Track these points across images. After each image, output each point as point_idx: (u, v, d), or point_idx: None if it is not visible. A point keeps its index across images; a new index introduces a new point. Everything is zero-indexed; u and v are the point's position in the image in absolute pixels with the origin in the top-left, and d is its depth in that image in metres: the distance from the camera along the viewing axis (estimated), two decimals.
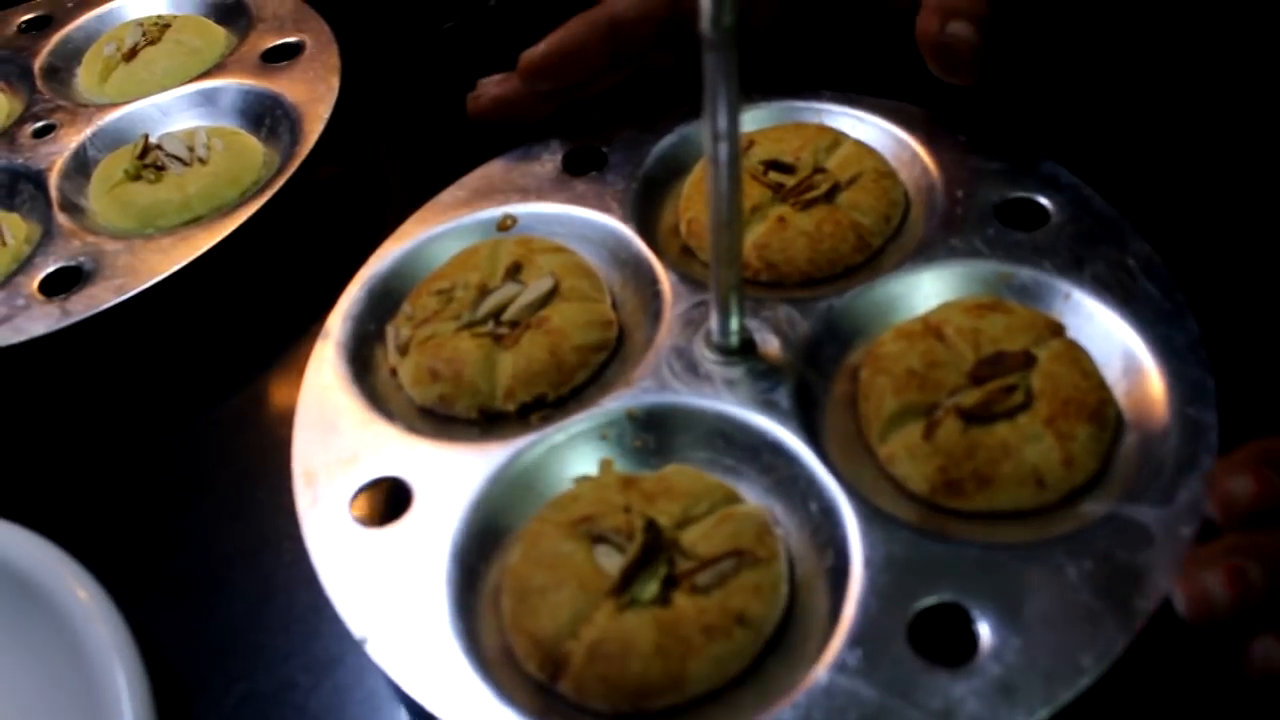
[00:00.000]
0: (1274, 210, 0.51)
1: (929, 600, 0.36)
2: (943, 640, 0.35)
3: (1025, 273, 0.45)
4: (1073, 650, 0.34)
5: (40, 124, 0.66)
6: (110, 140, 0.64)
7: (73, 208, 0.60)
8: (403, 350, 0.46)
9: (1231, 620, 0.33)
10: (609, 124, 0.55)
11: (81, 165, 0.63)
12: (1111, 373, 0.42)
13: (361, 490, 0.42)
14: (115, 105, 0.66)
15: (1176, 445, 0.38)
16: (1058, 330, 0.43)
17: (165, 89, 0.66)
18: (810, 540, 0.39)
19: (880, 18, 0.55)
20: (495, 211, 0.52)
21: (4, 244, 0.58)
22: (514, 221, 0.51)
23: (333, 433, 0.44)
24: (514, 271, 0.47)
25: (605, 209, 0.50)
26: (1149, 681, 0.36)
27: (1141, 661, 0.34)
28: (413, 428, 0.44)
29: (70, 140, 0.64)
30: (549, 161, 0.54)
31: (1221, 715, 0.38)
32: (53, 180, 0.62)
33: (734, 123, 0.36)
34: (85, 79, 0.71)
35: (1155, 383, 0.41)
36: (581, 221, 0.51)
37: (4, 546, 0.43)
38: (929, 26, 0.47)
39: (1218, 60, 0.57)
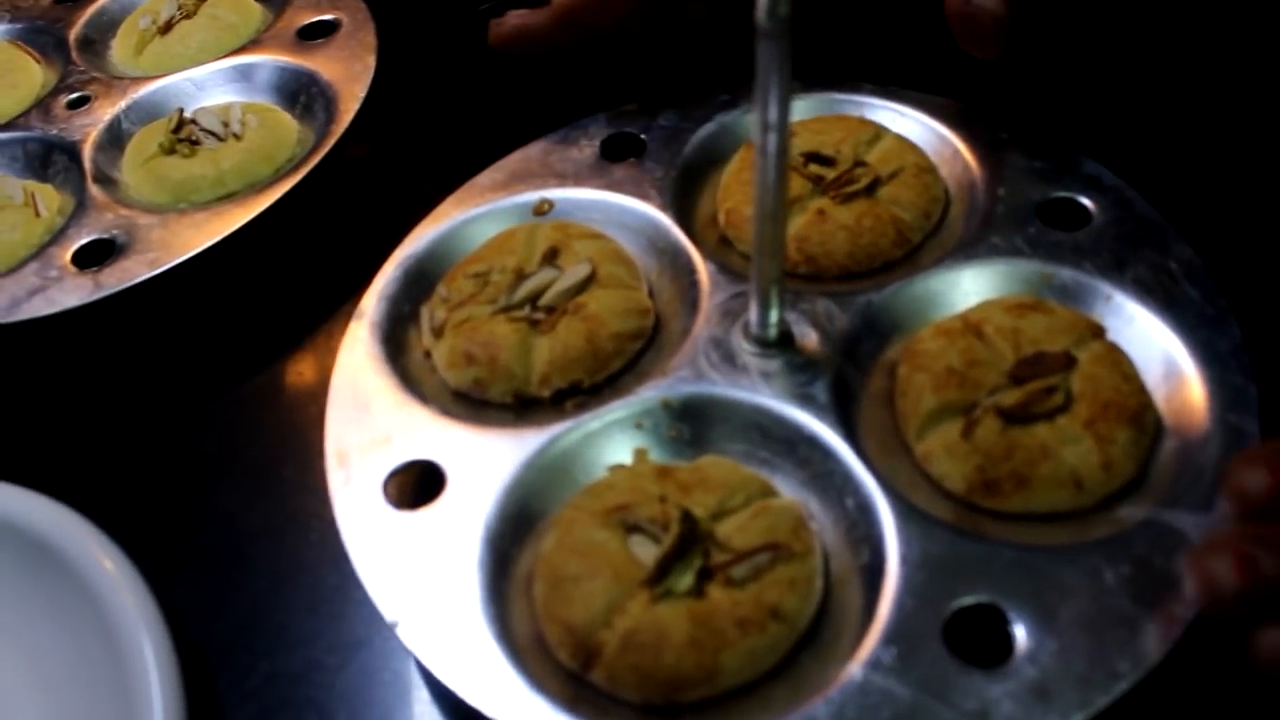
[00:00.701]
0: None
1: (965, 600, 0.35)
2: (978, 641, 0.35)
3: (1066, 273, 0.44)
4: (1109, 655, 0.34)
5: (75, 95, 0.66)
6: (145, 113, 0.64)
7: (106, 180, 0.60)
8: (438, 333, 0.46)
9: (1239, 608, 0.33)
10: (647, 110, 0.54)
11: (115, 138, 0.63)
12: (1152, 377, 0.42)
13: (395, 472, 0.42)
14: (150, 78, 0.66)
15: (1216, 452, 0.38)
16: (1099, 332, 0.42)
17: (200, 64, 0.66)
18: (845, 536, 0.39)
19: (919, 9, 0.54)
20: (532, 196, 0.51)
21: (37, 215, 0.58)
22: (551, 206, 0.51)
23: (366, 413, 0.44)
24: (551, 256, 0.47)
25: (643, 196, 0.50)
26: (1184, 688, 0.36)
27: (1177, 669, 0.34)
28: (447, 411, 0.44)
29: (104, 112, 0.64)
30: (587, 147, 0.53)
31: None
32: (87, 152, 0.62)
33: (784, 114, 0.35)
34: (120, 51, 0.71)
35: (1196, 388, 0.40)
36: (619, 208, 0.50)
37: (34, 517, 0.43)
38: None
39: (1263, 64, 0.56)
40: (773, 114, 0.35)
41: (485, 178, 0.53)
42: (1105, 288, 0.44)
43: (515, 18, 0.53)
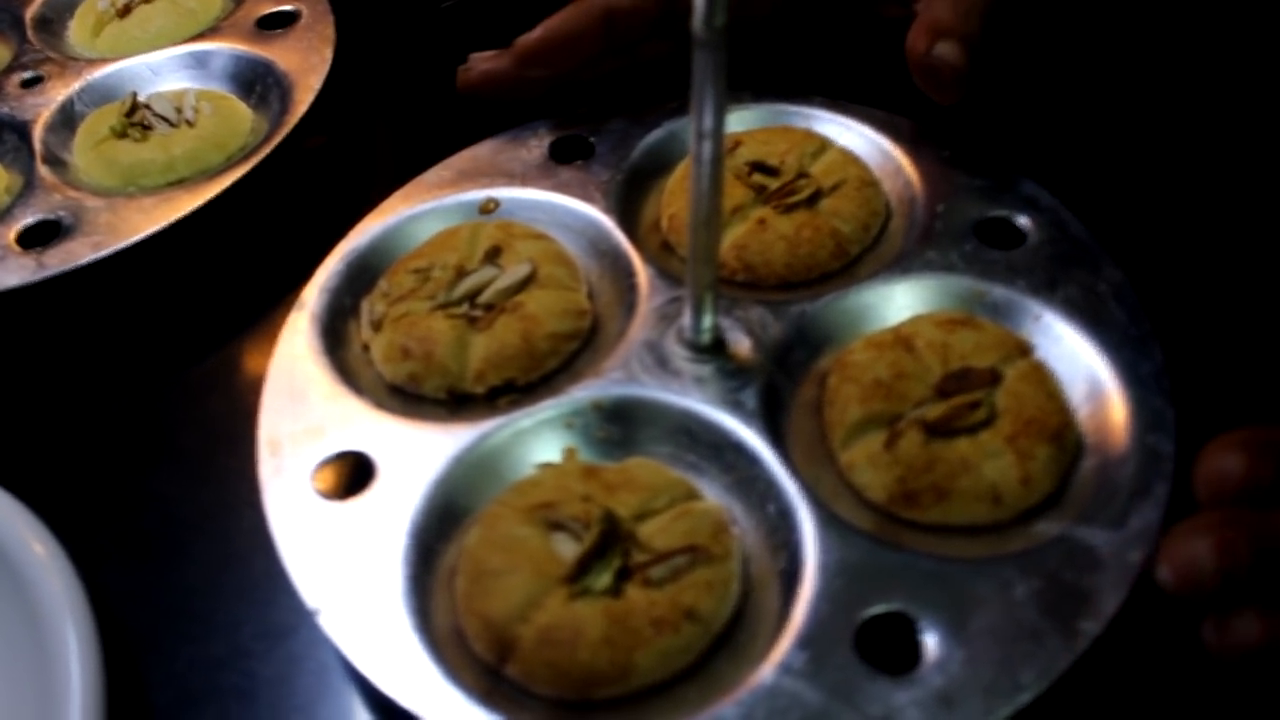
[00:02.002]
0: (1246, 247, 0.51)
1: (878, 608, 0.36)
2: (888, 648, 0.35)
3: (998, 291, 0.45)
4: (1015, 666, 0.34)
5: (28, 74, 0.65)
6: (98, 96, 0.64)
7: (56, 161, 0.60)
8: (376, 326, 0.47)
9: (1216, 592, 0.33)
10: (598, 114, 0.55)
11: (68, 119, 0.63)
12: (1076, 396, 0.42)
13: (325, 462, 0.42)
14: (106, 61, 0.66)
15: (1133, 472, 0.39)
16: (1026, 350, 0.43)
17: (157, 48, 0.66)
18: (766, 541, 0.40)
19: (875, 26, 0.55)
20: (479, 194, 0.52)
21: None
22: (496, 205, 0.51)
23: (301, 403, 0.44)
24: (493, 255, 0.47)
25: (588, 199, 0.51)
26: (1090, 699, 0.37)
27: (1083, 680, 0.35)
28: (381, 404, 0.44)
29: (58, 93, 0.64)
30: (536, 148, 0.54)
31: None
32: (37, 132, 0.61)
33: (719, 122, 0.36)
34: (77, 32, 0.71)
35: (1118, 409, 0.41)
36: (564, 210, 0.51)
37: None
38: (917, 45, 0.48)
39: (1203, 97, 0.58)
40: (708, 122, 0.36)
41: (433, 175, 0.53)
42: (1035, 307, 0.45)
43: (480, 63, 0.54)
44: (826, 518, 0.38)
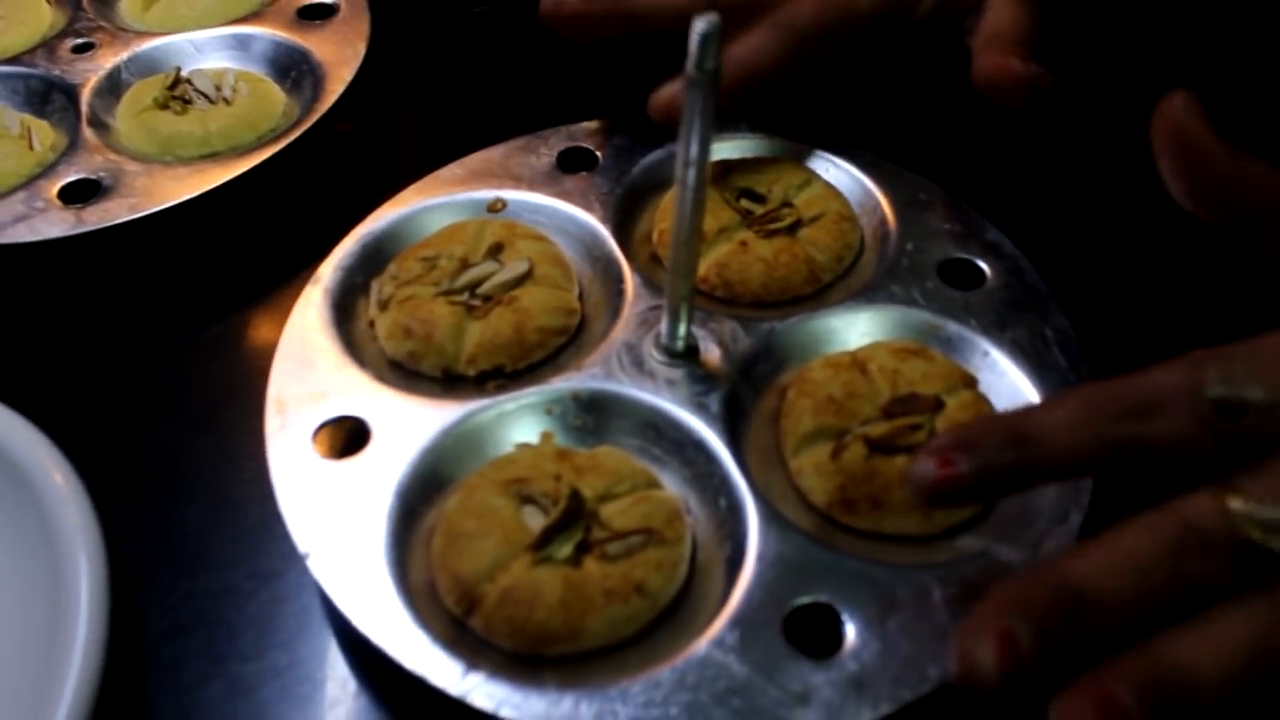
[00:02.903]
0: (1190, 309, 0.55)
1: (806, 598, 0.40)
2: (812, 635, 0.39)
3: (952, 327, 0.49)
4: (923, 660, 0.38)
5: (80, 40, 0.69)
6: (144, 67, 0.68)
7: (100, 125, 0.64)
8: (383, 305, 0.50)
9: (1006, 687, 0.32)
10: (605, 129, 0.59)
11: (114, 86, 0.67)
12: None
13: (326, 424, 0.46)
14: (153, 34, 0.70)
15: (1053, 500, 0.43)
16: (970, 383, 0.47)
17: (202, 27, 0.70)
18: (715, 531, 0.43)
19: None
20: (488, 194, 0.56)
21: (31, 148, 0.62)
22: (504, 205, 0.55)
23: (308, 369, 0.48)
24: (495, 251, 0.51)
25: (588, 208, 0.55)
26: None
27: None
28: (381, 377, 0.48)
29: (106, 61, 0.68)
30: (545, 155, 0.58)
31: None
32: (85, 96, 0.65)
33: (704, 153, 0.40)
34: (128, 5, 0.74)
35: None
36: (565, 215, 0.55)
37: None
38: (1013, 66, 0.52)
39: None
40: (693, 152, 0.40)
41: (448, 171, 0.57)
42: (985, 344, 0.48)
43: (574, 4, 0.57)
44: (771, 515, 0.42)
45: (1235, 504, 0.33)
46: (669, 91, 0.55)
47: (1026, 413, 0.38)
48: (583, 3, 0.57)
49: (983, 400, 0.46)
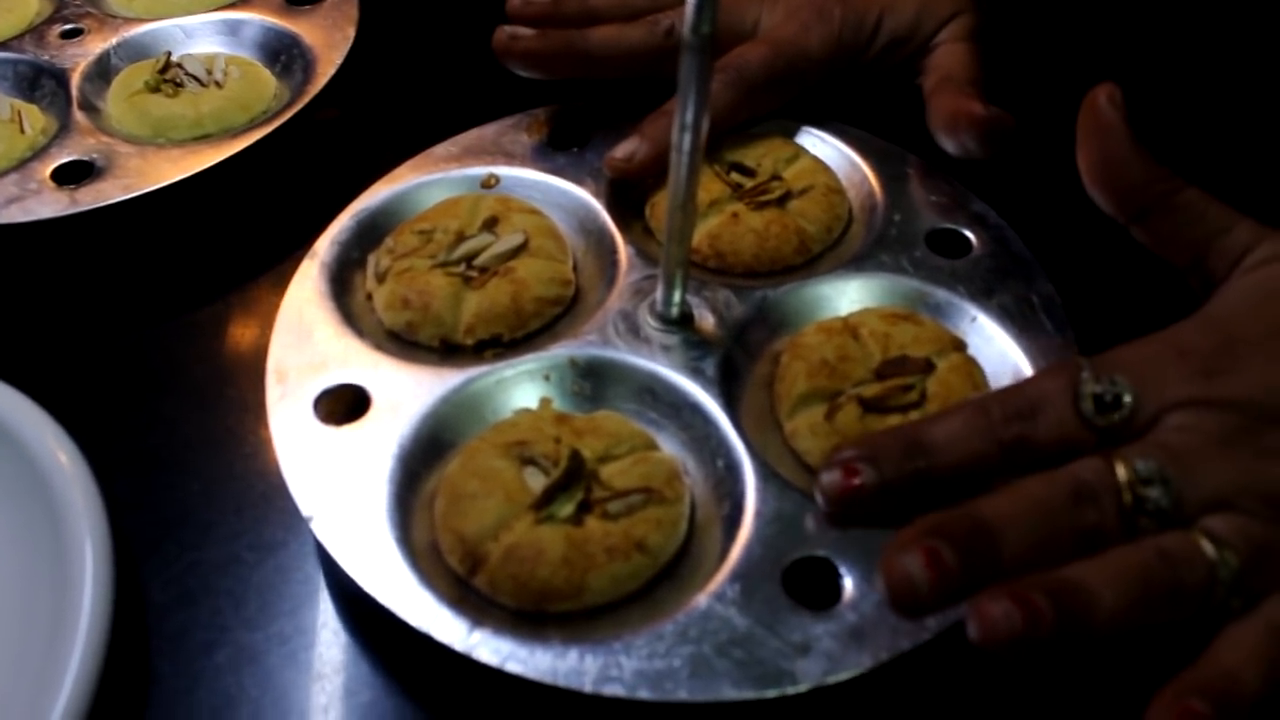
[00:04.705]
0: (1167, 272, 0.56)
1: (805, 553, 0.41)
2: (811, 588, 0.40)
3: (940, 293, 0.50)
4: None
5: (69, 26, 0.70)
6: (133, 52, 0.69)
7: (90, 108, 0.65)
8: (380, 278, 0.51)
9: (933, 602, 0.35)
10: (596, 107, 0.60)
11: (104, 71, 0.67)
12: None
13: (326, 392, 0.46)
14: (142, 20, 0.71)
15: None
16: (959, 346, 0.48)
17: (191, 13, 0.71)
18: (713, 491, 0.44)
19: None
20: (481, 170, 0.56)
21: (22, 131, 0.63)
22: (497, 181, 0.56)
23: (307, 340, 0.48)
24: (490, 224, 0.52)
25: (580, 183, 0.55)
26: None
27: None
28: (379, 347, 0.49)
29: (96, 46, 0.68)
30: (537, 133, 0.59)
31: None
32: (75, 80, 0.66)
33: (700, 117, 0.41)
34: None
35: None
36: (558, 190, 0.56)
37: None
38: (972, 108, 0.54)
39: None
40: (689, 116, 0.40)
41: (441, 149, 0.58)
42: (972, 310, 0.50)
43: (525, 40, 0.58)
44: (768, 474, 0.43)
45: (1119, 465, 0.37)
46: (624, 151, 0.55)
47: (922, 424, 0.40)
48: (536, 40, 0.57)
49: (972, 363, 0.47)
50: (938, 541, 0.35)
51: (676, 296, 0.47)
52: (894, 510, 0.39)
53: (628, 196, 0.56)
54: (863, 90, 0.61)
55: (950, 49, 0.58)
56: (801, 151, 0.57)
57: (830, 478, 0.39)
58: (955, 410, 0.40)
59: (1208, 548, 0.35)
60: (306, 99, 0.63)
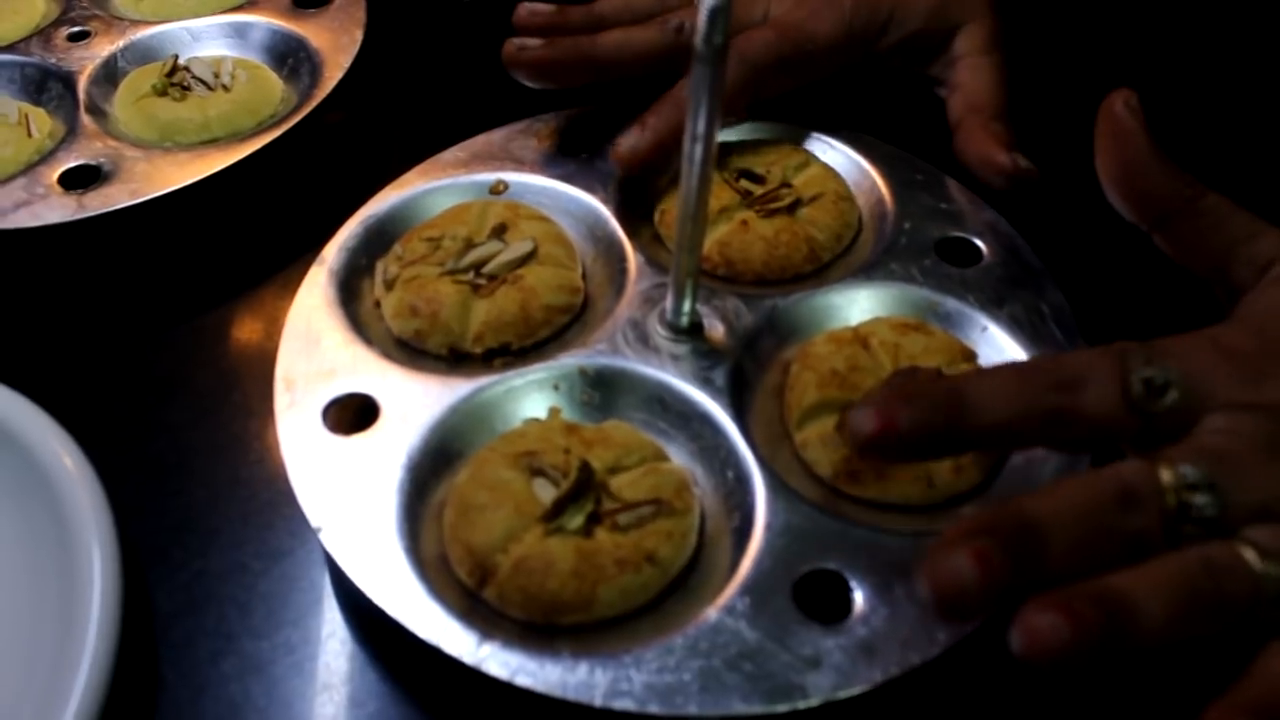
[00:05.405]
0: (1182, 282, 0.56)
1: (815, 566, 0.41)
2: (822, 601, 0.40)
3: (951, 303, 0.50)
4: (931, 625, 0.39)
5: (76, 29, 0.70)
6: (140, 55, 0.68)
7: (98, 111, 0.64)
8: (389, 285, 0.51)
9: (982, 606, 0.34)
10: (605, 113, 0.60)
11: (111, 74, 0.67)
12: None
13: (335, 401, 0.46)
14: (149, 23, 0.70)
15: (1053, 470, 0.44)
16: (970, 357, 0.48)
17: (198, 16, 0.71)
18: (723, 503, 0.44)
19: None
20: (490, 176, 0.56)
21: (29, 135, 0.62)
22: (506, 187, 0.56)
23: (315, 348, 0.48)
24: (499, 231, 0.52)
25: (590, 189, 0.55)
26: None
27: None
28: (388, 355, 0.48)
29: (103, 49, 0.68)
30: (546, 139, 0.58)
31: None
32: (82, 83, 0.66)
33: (711, 127, 0.40)
34: None
35: None
36: (567, 197, 0.55)
37: (5, 412, 0.46)
38: (999, 159, 0.53)
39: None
40: (700, 127, 0.40)
41: (450, 154, 0.57)
42: (983, 319, 0.49)
43: (532, 49, 0.57)
44: (778, 486, 0.43)
45: (1164, 469, 0.35)
46: (629, 143, 0.54)
47: (961, 378, 0.39)
48: (545, 49, 0.57)
49: None
50: (987, 541, 0.34)
51: (687, 306, 0.47)
52: (916, 460, 0.38)
53: (637, 203, 0.56)
54: (874, 96, 0.61)
55: (973, 65, 0.58)
56: (811, 158, 0.57)
57: (863, 417, 0.37)
58: (997, 370, 0.39)
59: (1253, 559, 0.34)
60: (314, 103, 0.63)
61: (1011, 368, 0.39)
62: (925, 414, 0.37)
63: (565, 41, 0.57)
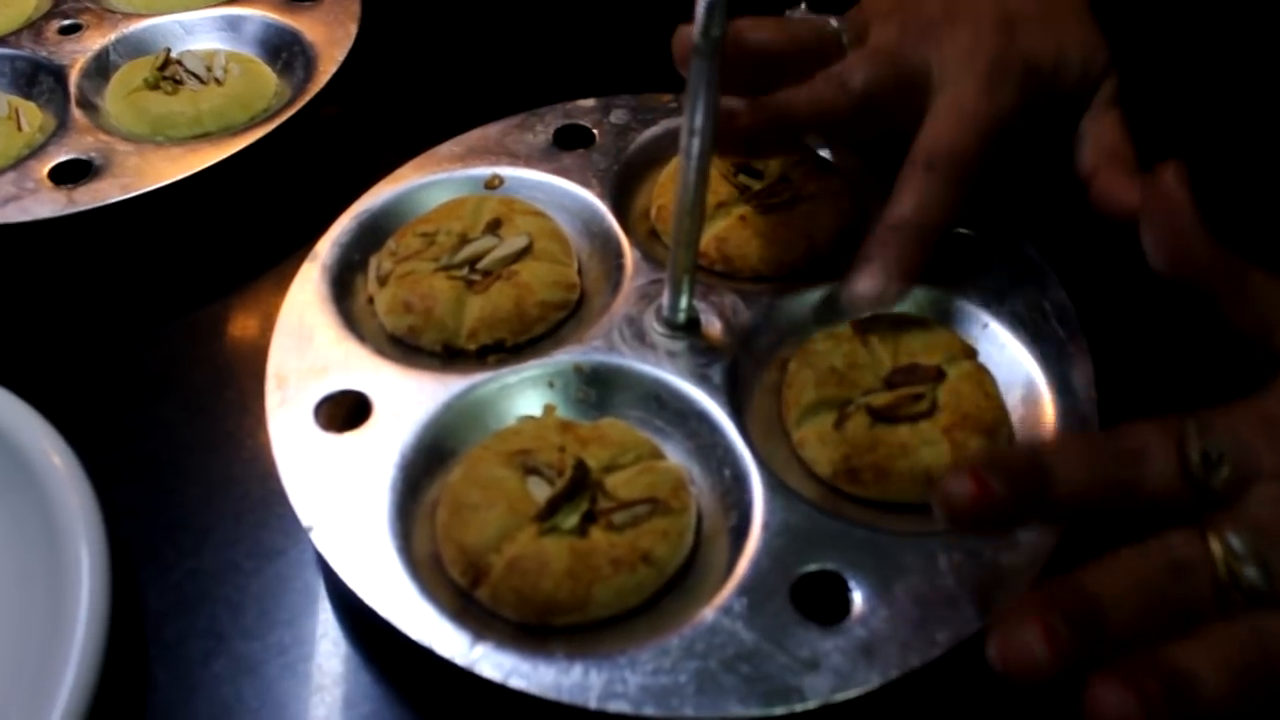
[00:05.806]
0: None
1: (813, 566, 0.40)
2: (820, 602, 0.39)
3: (951, 299, 0.49)
4: (931, 626, 0.38)
5: (68, 22, 0.69)
6: (132, 48, 0.68)
7: (89, 105, 0.64)
8: (382, 281, 0.50)
9: (1050, 675, 0.34)
10: (601, 107, 0.59)
11: (102, 68, 0.67)
12: (1012, 398, 0.47)
13: (327, 399, 0.46)
14: (141, 16, 0.70)
15: None
16: (970, 353, 0.47)
17: (191, 9, 0.70)
18: (720, 502, 0.44)
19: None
20: (485, 170, 0.56)
21: (19, 129, 0.62)
22: (501, 182, 0.55)
23: (308, 344, 0.48)
24: (494, 226, 0.51)
25: (585, 184, 0.55)
26: None
27: None
28: (381, 351, 0.48)
29: (94, 42, 0.68)
30: (542, 133, 0.58)
31: None
32: (73, 77, 0.65)
33: (709, 121, 0.40)
34: None
35: (1048, 413, 0.45)
36: (562, 192, 0.55)
37: None
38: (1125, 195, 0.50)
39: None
40: (698, 121, 0.40)
41: (445, 149, 0.57)
42: (984, 316, 0.49)
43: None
44: (775, 485, 0.42)
45: (1213, 539, 0.35)
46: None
47: (1037, 447, 0.39)
48: (750, 118, 0.50)
49: (984, 371, 0.47)
50: (1053, 616, 0.34)
51: (683, 302, 0.46)
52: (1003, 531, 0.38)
53: (633, 198, 0.56)
54: None
55: (1104, 119, 0.54)
56: (809, 154, 0.56)
57: (959, 486, 0.36)
58: (1066, 440, 0.39)
59: None
60: (308, 97, 0.62)
61: (1079, 439, 0.39)
62: (1017, 482, 0.37)
63: (770, 107, 0.50)
